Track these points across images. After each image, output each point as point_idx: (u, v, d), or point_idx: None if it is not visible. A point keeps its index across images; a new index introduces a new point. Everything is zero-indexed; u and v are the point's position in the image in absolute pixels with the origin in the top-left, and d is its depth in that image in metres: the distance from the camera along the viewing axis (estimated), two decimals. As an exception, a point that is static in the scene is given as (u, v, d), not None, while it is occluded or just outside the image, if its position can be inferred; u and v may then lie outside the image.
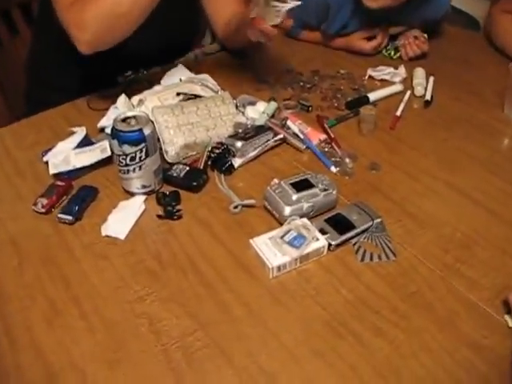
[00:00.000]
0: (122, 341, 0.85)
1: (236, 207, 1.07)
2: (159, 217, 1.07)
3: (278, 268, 0.93)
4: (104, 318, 0.88)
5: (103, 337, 0.85)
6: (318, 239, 0.97)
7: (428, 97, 1.47)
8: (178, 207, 1.08)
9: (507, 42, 1.70)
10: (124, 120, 1.05)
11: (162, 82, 1.42)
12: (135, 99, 1.30)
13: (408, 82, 1.56)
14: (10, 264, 0.99)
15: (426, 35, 1.70)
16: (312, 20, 1.74)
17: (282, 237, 0.96)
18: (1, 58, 1.87)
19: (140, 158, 1.05)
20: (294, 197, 1.02)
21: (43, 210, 1.07)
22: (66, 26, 1.22)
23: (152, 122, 1.08)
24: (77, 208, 1.07)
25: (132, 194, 1.12)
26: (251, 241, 0.98)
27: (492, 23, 1.79)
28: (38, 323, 0.88)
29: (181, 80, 1.39)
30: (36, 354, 0.83)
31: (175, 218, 1.06)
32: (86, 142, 1.24)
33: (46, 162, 1.19)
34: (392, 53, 1.72)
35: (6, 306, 0.91)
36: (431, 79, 1.55)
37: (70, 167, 1.16)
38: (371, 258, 0.98)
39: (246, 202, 1.08)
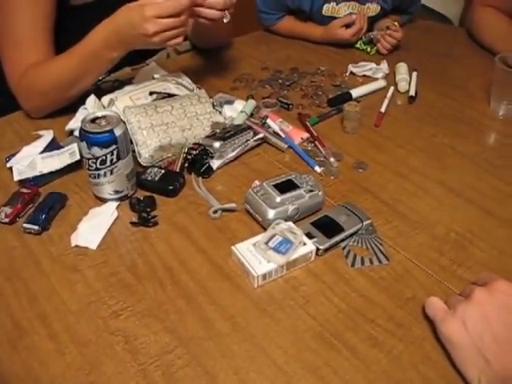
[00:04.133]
0: (95, 361, 0.77)
1: (215, 212, 1.00)
2: (133, 224, 0.99)
3: (264, 276, 0.86)
4: (75, 336, 0.80)
5: (74, 358, 0.77)
6: (305, 244, 0.90)
7: (412, 92, 1.42)
8: (154, 213, 1.01)
9: (489, 35, 1.67)
10: (93, 120, 0.98)
11: (134, 81, 1.35)
12: (105, 99, 1.22)
13: (391, 78, 1.50)
14: (-32, 279, 0.90)
15: (396, 23, 1.67)
16: None
17: (266, 242, 0.88)
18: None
19: (111, 161, 0.98)
20: (278, 199, 0.95)
21: (7, 220, 0.99)
22: (17, 96, 1.28)
23: (124, 122, 1.00)
24: (44, 217, 0.98)
25: (104, 201, 1.04)
26: (233, 248, 0.90)
27: (473, 17, 1.76)
28: (1, 345, 0.79)
29: (154, 78, 1.31)
30: (-2, 380, 0.75)
31: (150, 224, 0.99)
32: (53, 146, 1.16)
33: (10, 168, 1.10)
34: (368, 48, 1.68)
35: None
36: (414, 74, 1.50)
37: (37, 173, 1.08)
38: (362, 263, 0.91)
39: (226, 206, 1.01)
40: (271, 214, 0.94)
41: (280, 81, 1.47)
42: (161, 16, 1.07)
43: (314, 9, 1.69)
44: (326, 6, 1.68)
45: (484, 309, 0.74)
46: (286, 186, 0.98)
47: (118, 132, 0.96)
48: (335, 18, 1.68)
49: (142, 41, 1.12)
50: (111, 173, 0.99)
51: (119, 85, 1.34)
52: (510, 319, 0.73)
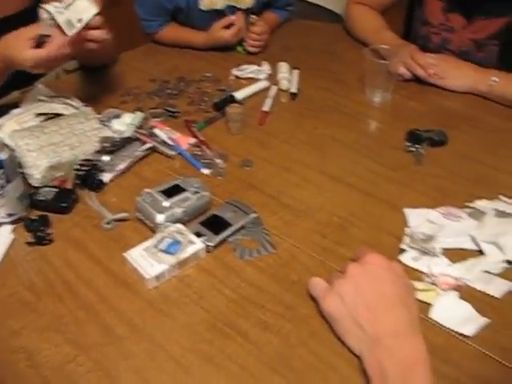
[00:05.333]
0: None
1: (108, 223, 1.04)
2: (29, 244, 1.01)
3: (157, 278, 0.91)
4: (-23, 361, 0.82)
5: (-22, 382, 0.79)
6: (194, 242, 0.95)
7: (293, 89, 1.50)
8: (49, 231, 1.03)
9: (362, 30, 1.78)
10: (-22, 148, 0.99)
11: (22, 104, 1.35)
12: (-9, 126, 1.23)
13: (275, 78, 1.57)
14: None
15: (254, 17, 1.74)
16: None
17: (156, 245, 0.93)
18: None
19: (0, 185, 0.99)
20: (166, 203, 1.00)
21: None
22: None
23: (7, 147, 1.02)
24: None
25: (-2, 225, 1.05)
26: (125, 254, 0.94)
27: (347, 14, 1.86)
28: None
29: (40, 100, 1.33)
30: None
31: (46, 242, 1.01)
32: None
33: None
34: (239, 48, 1.77)
35: None
36: (295, 72, 1.58)
37: None
38: (250, 254, 0.97)
39: (118, 216, 1.04)
40: (160, 218, 0.98)
41: (167, 91, 1.51)
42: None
43: (191, 4, 1.74)
44: None
45: (357, 281, 0.81)
46: (173, 191, 1.03)
47: (3, 157, 0.98)
48: (215, 11, 1.74)
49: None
50: (1, 197, 1.01)
51: (7, 109, 1.35)
52: (379, 287, 0.80)
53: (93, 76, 1.63)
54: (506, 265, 0.94)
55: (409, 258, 0.96)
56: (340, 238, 1.01)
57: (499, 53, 1.51)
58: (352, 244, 0.99)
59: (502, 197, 1.07)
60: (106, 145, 1.20)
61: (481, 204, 1.05)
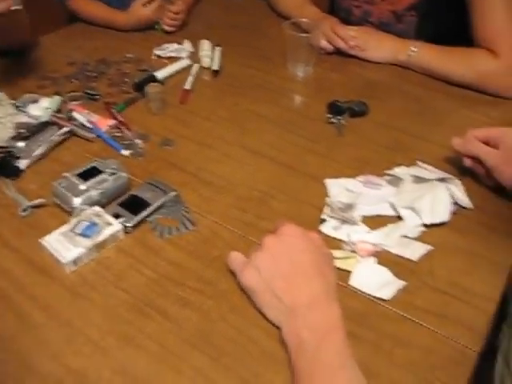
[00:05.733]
0: None
1: (25, 210, 1.01)
2: None
3: (74, 262, 0.89)
4: None
5: None
6: (111, 224, 0.93)
7: (215, 67, 1.48)
8: (-38, 222, 1.00)
9: (283, 5, 1.80)
10: None
11: None
12: None
13: (197, 56, 1.56)
14: None
15: None
16: None
17: (72, 229, 0.91)
18: None
19: None
20: (82, 186, 0.98)
21: None
22: None
23: None
24: None
25: None
26: (41, 240, 0.92)
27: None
28: None
29: None
30: None
31: (-41, 234, 0.98)
32: None
33: None
34: (157, 27, 1.74)
35: None
36: (218, 49, 1.56)
37: None
38: (170, 232, 0.96)
39: (34, 202, 1.01)
40: (76, 201, 0.96)
41: (87, 73, 1.48)
42: None
43: None
44: None
45: (273, 252, 0.81)
46: (89, 174, 1.01)
47: None
48: None
49: None
50: None
51: None
52: (296, 258, 0.80)
53: (8, 61, 1.57)
54: (423, 228, 0.96)
55: (329, 227, 0.97)
56: (261, 212, 1.01)
57: (417, 24, 1.53)
58: (273, 217, 0.99)
59: (419, 162, 1.09)
60: (21, 131, 1.16)
61: (399, 171, 1.07)
